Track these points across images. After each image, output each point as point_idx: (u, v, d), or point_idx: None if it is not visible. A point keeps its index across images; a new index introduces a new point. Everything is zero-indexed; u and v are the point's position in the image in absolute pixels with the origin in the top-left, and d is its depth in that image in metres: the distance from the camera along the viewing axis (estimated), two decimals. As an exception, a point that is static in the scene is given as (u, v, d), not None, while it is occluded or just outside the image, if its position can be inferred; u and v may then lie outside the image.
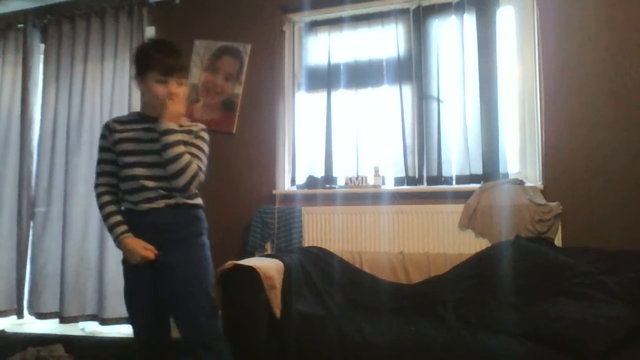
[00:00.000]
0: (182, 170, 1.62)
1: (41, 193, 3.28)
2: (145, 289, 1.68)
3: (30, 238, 3.29)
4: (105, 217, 1.68)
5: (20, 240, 3.27)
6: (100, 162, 1.71)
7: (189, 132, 1.72)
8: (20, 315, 3.24)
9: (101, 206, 1.69)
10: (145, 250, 1.63)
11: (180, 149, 1.62)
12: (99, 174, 1.72)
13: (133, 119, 1.74)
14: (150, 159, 1.64)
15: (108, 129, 1.69)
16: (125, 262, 1.72)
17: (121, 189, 1.70)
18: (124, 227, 1.66)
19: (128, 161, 1.65)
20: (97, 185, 1.71)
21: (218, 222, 3.06)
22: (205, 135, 1.78)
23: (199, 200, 1.80)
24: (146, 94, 1.70)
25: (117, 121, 1.72)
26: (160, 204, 1.65)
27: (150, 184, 1.64)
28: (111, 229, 1.67)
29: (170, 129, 1.62)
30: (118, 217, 1.67)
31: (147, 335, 1.75)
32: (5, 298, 3.29)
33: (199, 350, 1.68)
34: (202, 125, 1.79)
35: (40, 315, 3.20)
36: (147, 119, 1.70)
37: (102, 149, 1.71)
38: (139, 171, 1.64)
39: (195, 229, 1.75)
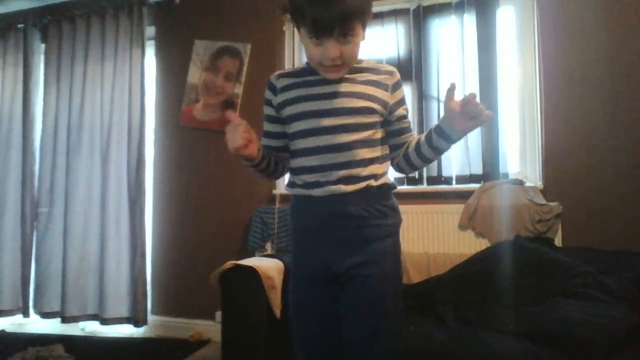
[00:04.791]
0: None
1: (44, 193, 3.29)
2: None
3: (34, 238, 3.30)
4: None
5: (24, 240, 3.28)
6: None
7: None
8: (26, 314, 3.25)
9: None
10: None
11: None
12: None
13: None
14: None
15: None
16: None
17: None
18: None
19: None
20: None
21: (218, 222, 3.08)
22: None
23: None
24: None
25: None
26: None
27: None
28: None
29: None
30: None
31: None
32: (11, 297, 3.31)
33: None
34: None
35: (45, 315, 3.22)
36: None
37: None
38: None
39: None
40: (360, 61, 1.30)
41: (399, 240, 1.31)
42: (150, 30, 3.29)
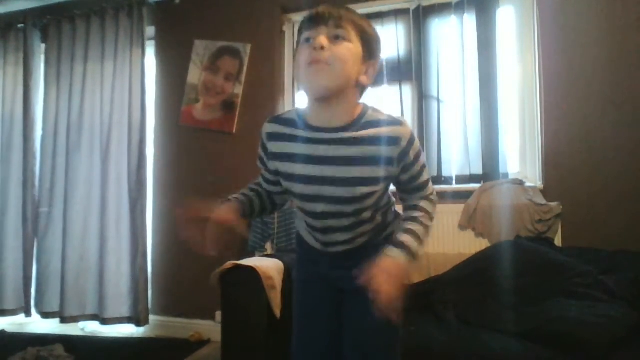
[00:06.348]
0: None
1: (44, 193, 3.30)
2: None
3: (36, 238, 3.30)
4: None
5: (25, 240, 3.28)
6: None
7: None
8: (28, 313, 3.26)
9: None
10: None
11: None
12: None
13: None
14: None
15: None
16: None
17: None
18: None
19: None
20: None
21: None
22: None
23: None
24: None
25: None
26: None
27: None
28: None
29: None
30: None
31: None
32: (14, 297, 3.31)
33: None
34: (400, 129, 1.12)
35: (45, 315, 3.22)
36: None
37: None
38: None
39: None
40: (365, 110, 1.13)
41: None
42: (150, 30, 3.28)
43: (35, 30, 3.45)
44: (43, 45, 3.46)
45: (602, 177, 2.45)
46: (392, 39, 2.87)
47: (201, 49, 3.16)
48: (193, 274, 3.01)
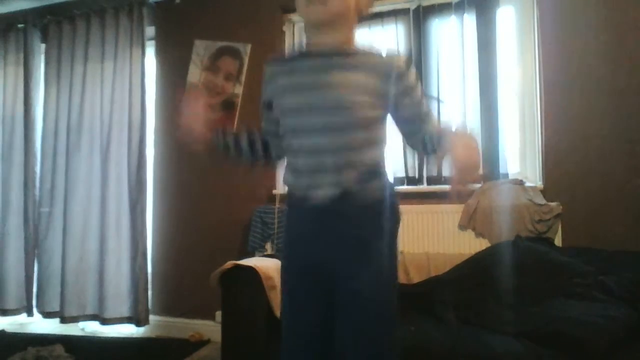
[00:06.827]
0: None
1: (45, 193, 3.30)
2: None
3: (37, 238, 3.31)
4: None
5: (27, 240, 3.29)
6: None
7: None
8: (30, 313, 3.27)
9: None
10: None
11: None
12: None
13: None
14: None
15: None
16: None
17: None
18: None
19: None
20: None
21: (218, 222, 3.08)
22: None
23: None
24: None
25: None
26: None
27: None
28: None
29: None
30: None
31: None
32: (16, 297, 3.32)
33: None
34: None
35: (46, 315, 3.23)
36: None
37: None
38: None
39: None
40: (358, 49, 1.20)
41: (396, 242, 1.25)
42: (150, 30, 3.28)
43: (35, 30, 3.45)
44: (43, 45, 3.46)
45: (601, 177, 2.45)
46: (392, 39, 2.87)
47: (201, 49, 3.16)
48: (193, 274, 3.01)
